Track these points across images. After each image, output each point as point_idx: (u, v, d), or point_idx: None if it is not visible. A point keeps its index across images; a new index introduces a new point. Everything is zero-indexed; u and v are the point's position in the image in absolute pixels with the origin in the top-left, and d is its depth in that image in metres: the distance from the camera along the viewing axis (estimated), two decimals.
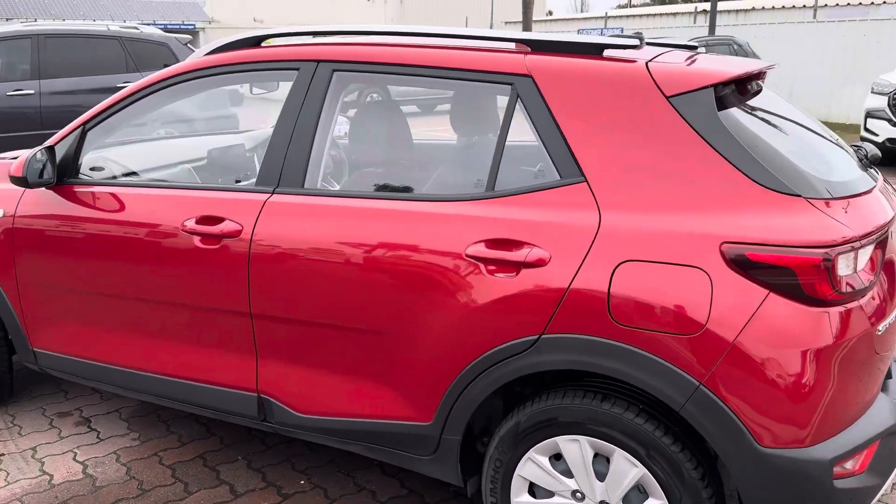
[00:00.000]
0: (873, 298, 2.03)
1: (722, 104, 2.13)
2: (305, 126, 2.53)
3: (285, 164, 2.53)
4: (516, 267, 2.11)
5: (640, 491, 2.09)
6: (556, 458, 2.18)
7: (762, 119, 2.37)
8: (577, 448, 2.12)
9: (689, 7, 19.64)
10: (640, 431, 2.02)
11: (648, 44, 2.66)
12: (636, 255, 1.99)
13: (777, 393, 1.88)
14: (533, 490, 2.25)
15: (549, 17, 24.63)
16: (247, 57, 2.73)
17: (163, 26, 27.45)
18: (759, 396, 1.89)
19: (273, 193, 2.53)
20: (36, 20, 26.36)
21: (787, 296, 1.89)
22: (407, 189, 2.71)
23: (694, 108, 2.07)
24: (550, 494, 2.21)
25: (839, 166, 2.29)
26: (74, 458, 3.06)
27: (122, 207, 2.81)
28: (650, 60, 2.20)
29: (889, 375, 2.38)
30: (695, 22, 18.58)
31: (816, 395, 1.89)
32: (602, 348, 2.01)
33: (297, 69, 2.60)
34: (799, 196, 1.96)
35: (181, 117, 4.83)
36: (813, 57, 16.52)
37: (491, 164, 2.27)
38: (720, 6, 18.74)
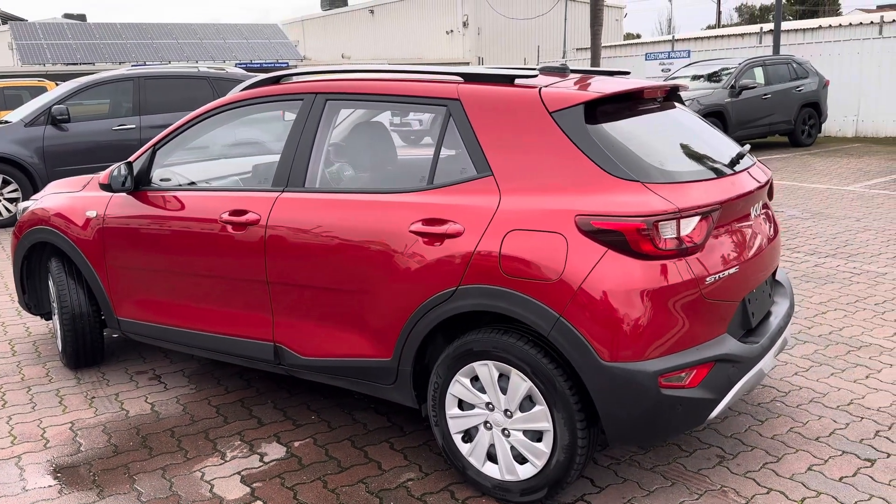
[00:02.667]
0: (702, 256, 2.71)
1: (596, 116, 2.87)
2: (306, 141, 3.40)
3: (292, 170, 3.41)
4: (441, 238, 2.91)
5: (530, 400, 2.82)
6: (475, 380, 2.94)
7: (642, 125, 3.10)
8: (486, 370, 2.87)
9: (756, 28, 19.83)
10: (527, 355, 2.75)
11: (575, 71, 3.43)
12: (519, 226, 2.75)
13: (611, 321, 2.59)
14: (461, 405, 3.00)
15: (620, 43, 25.15)
16: (268, 91, 3.64)
17: (259, 65, 29.49)
18: (600, 324, 2.60)
19: (283, 192, 3.41)
20: (145, 63, 28.82)
21: (620, 251, 2.61)
22: (376, 185, 3.53)
23: (568, 120, 2.83)
24: (472, 406, 2.97)
25: (695, 160, 3.00)
26: (146, 401, 4.01)
27: (181, 206, 3.75)
28: (545, 86, 2.97)
29: (748, 325, 3.04)
30: (761, 42, 18.79)
31: (640, 324, 2.59)
32: (496, 294, 2.77)
33: (302, 99, 3.49)
34: (637, 181, 2.68)
35: (255, 142, 5.86)
36: (879, 73, 16.54)
37: (430, 166, 3.08)
38: (789, 26, 18.90)
